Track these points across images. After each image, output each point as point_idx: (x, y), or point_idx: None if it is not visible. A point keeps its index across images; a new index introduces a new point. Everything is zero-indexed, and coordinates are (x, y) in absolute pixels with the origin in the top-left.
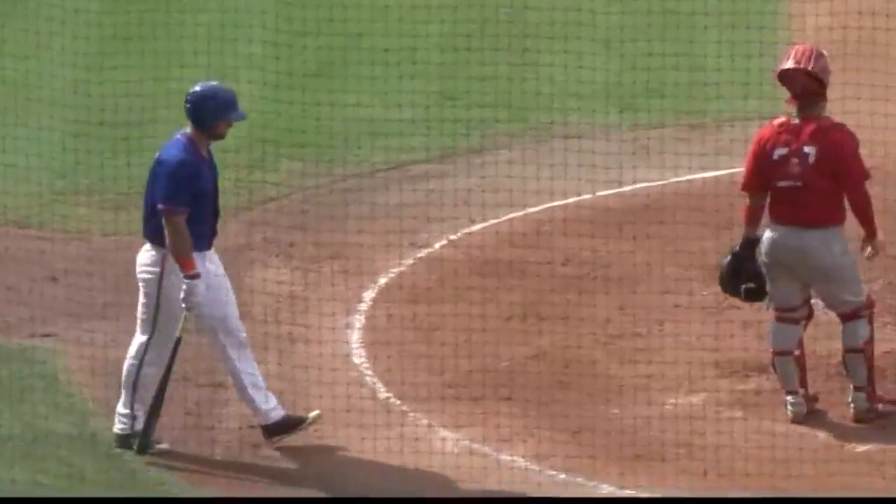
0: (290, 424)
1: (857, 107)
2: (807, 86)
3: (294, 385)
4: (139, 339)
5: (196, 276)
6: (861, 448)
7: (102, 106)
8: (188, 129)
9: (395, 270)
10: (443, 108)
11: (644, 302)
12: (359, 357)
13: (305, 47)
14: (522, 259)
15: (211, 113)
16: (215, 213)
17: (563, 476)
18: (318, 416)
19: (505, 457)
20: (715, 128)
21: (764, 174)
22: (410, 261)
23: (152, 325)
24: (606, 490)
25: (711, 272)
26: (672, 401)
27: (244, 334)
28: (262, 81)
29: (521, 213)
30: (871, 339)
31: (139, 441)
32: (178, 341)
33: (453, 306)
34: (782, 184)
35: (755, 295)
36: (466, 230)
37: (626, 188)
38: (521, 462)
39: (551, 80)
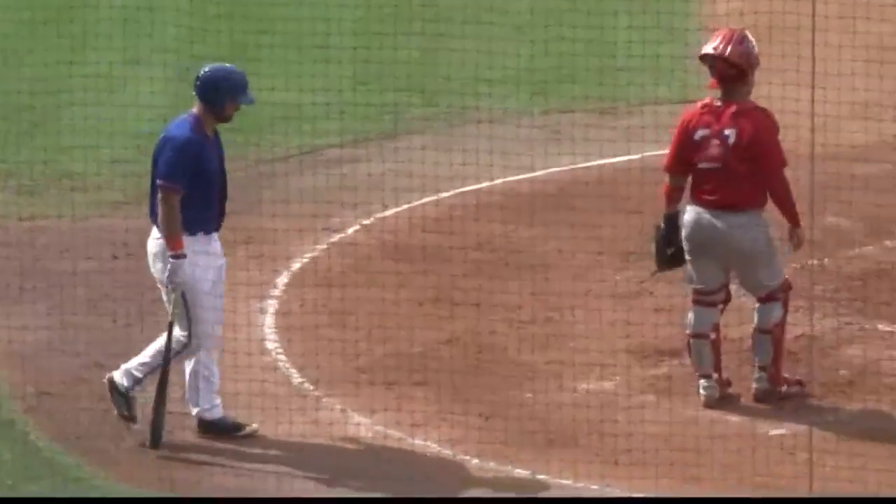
0: (224, 427)
1: (769, 91)
2: (724, 71)
3: None
4: (179, 334)
5: (182, 256)
6: (773, 433)
7: (18, 90)
8: (195, 109)
9: (309, 255)
10: (356, 93)
11: (556, 287)
12: (272, 342)
13: (219, 31)
14: (435, 244)
15: (222, 94)
16: (223, 195)
17: (476, 461)
18: (255, 431)
19: (419, 442)
20: (626, 113)
21: (685, 155)
22: (324, 246)
23: (188, 320)
24: (520, 474)
25: (623, 257)
26: (584, 386)
27: (220, 328)
28: (176, 65)
29: (433, 199)
30: (782, 323)
31: (151, 436)
32: (171, 325)
33: (366, 291)
34: (703, 165)
35: (678, 259)
36: (380, 215)
37: (538, 173)
38: (434, 447)
39: (463, 65)
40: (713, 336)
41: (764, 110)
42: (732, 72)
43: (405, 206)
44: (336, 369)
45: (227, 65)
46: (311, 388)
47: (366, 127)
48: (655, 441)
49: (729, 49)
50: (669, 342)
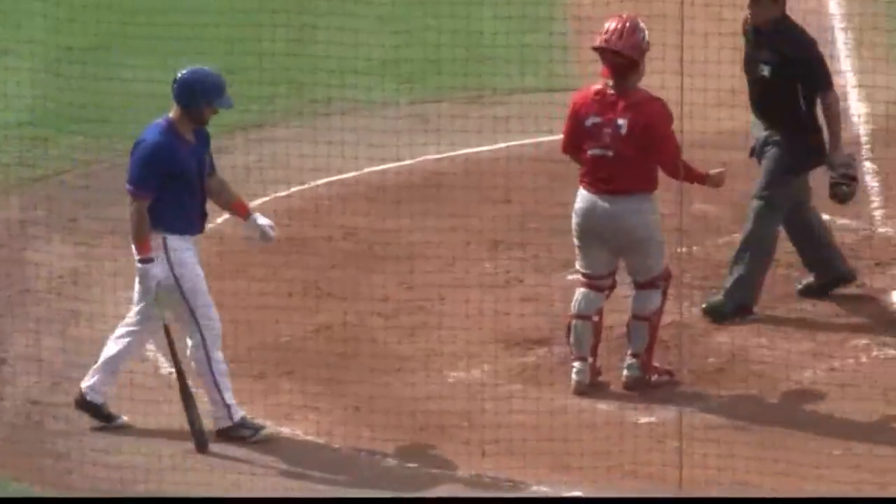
0: (99, 413)
1: None
2: (616, 63)
3: (77, 359)
4: (187, 340)
5: (149, 261)
6: (643, 421)
7: None
8: (171, 113)
9: None
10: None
11: (424, 277)
12: None
13: (87, 22)
14: (302, 235)
15: (197, 97)
16: (203, 197)
17: (345, 451)
18: (125, 423)
19: (287, 432)
20: (492, 102)
21: (576, 140)
22: None
23: (192, 318)
24: (389, 464)
25: (491, 247)
26: (453, 375)
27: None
28: (43, 56)
29: (300, 189)
30: (660, 311)
31: (196, 440)
32: (167, 328)
33: (234, 282)
34: (593, 152)
35: None
36: None
37: (405, 163)
38: (303, 437)
39: (329, 56)
40: (596, 319)
41: (658, 100)
42: (623, 61)
43: (272, 197)
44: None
45: (204, 68)
46: None
47: (233, 118)
48: (524, 430)
49: (621, 42)
50: (537, 331)
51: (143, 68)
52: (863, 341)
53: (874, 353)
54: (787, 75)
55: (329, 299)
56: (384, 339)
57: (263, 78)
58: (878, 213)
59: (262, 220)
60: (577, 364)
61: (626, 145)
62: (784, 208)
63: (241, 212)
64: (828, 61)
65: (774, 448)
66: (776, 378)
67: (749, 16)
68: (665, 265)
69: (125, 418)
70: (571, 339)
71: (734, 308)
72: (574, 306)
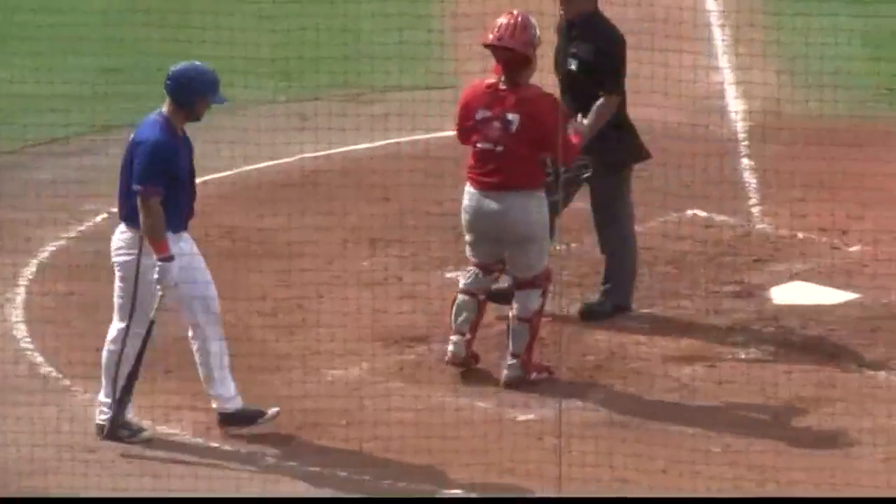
0: (247, 417)
1: None
2: (509, 60)
3: None
4: (117, 325)
5: (170, 259)
6: (521, 418)
7: None
8: (164, 108)
9: (55, 246)
10: (104, 83)
11: (302, 275)
12: (18, 333)
13: None
14: None
15: (191, 93)
16: (192, 193)
17: (226, 447)
18: (277, 413)
19: (165, 430)
20: (370, 100)
21: (465, 134)
22: (71, 235)
23: (130, 310)
24: (270, 462)
25: (369, 244)
26: (332, 373)
27: (219, 312)
28: None
29: None
30: (540, 311)
31: (108, 427)
32: (152, 324)
33: (111, 283)
34: (482, 145)
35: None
36: None
37: (283, 161)
38: (182, 436)
39: (206, 55)
40: (482, 298)
41: (548, 95)
42: (518, 58)
43: None
44: (81, 361)
45: (198, 63)
46: (58, 378)
47: (114, 116)
48: (402, 428)
49: (513, 39)
50: (416, 329)
51: (19, 68)
52: (741, 338)
53: (752, 350)
54: (594, 69)
55: None
56: (262, 338)
57: (139, 78)
58: (755, 210)
59: None
60: (454, 337)
61: (516, 141)
62: (627, 202)
63: None
64: (705, 59)
65: (653, 445)
66: (655, 375)
67: (561, 12)
68: (545, 264)
69: (277, 409)
70: (453, 313)
71: (612, 309)
72: (462, 283)
